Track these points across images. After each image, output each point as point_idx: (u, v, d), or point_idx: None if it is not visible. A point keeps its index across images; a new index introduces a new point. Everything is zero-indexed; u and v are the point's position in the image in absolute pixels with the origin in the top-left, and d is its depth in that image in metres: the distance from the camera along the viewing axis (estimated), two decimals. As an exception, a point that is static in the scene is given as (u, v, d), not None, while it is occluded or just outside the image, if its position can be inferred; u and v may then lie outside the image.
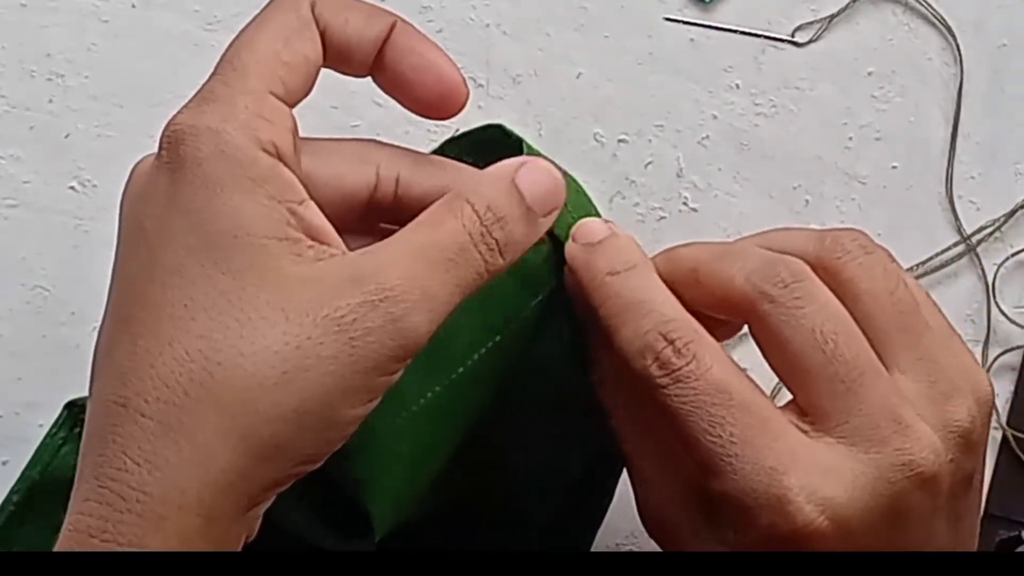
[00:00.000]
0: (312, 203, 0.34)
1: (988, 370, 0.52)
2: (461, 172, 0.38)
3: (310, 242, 0.33)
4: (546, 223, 0.37)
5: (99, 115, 0.51)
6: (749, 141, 0.53)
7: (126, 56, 0.52)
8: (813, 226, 0.53)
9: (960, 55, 0.53)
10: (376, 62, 0.37)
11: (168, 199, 0.33)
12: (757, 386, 0.37)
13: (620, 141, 0.52)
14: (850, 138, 0.53)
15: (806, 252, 0.38)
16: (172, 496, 0.31)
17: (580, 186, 0.40)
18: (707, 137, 0.53)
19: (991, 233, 0.53)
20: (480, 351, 0.38)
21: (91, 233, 0.51)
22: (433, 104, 0.37)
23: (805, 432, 0.36)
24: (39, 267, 0.51)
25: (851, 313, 0.37)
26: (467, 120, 0.53)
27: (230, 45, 0.35)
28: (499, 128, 0.40)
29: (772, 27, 0.53)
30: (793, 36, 0.53)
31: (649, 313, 0.37)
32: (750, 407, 0.35)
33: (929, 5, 0.53)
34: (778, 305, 0.36)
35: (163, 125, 0.34)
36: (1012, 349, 0.52)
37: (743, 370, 0.37)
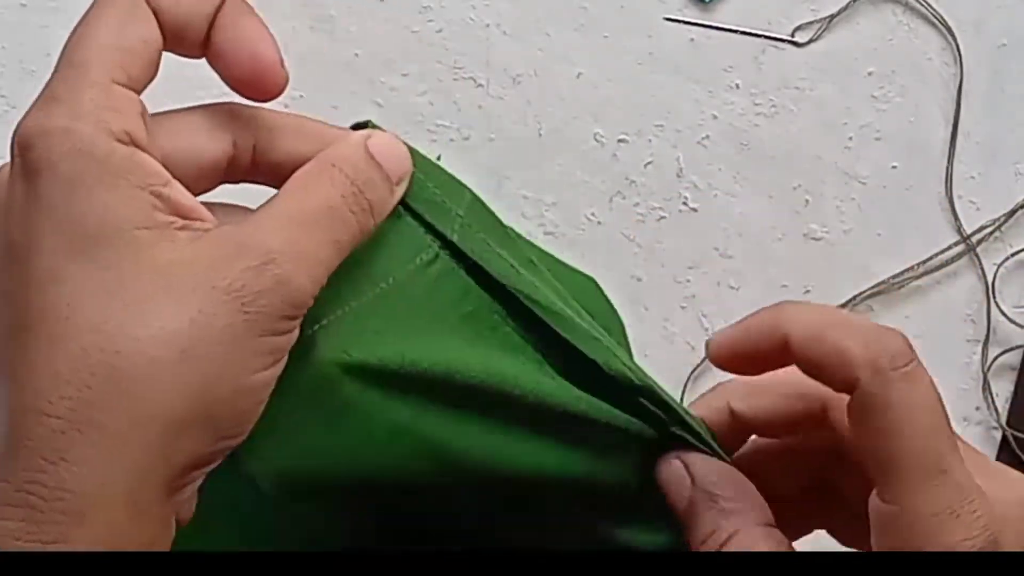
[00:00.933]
0: (176, 183, 0.34)
1: (988, 370, 0.52)
2: (317, 137, 0.39)
3: (181, 222, 0.34)
4: (399, 192, 0.38)
5: (99, 115, 0.52)
6: (749, 141, 0.53)
7: (126, 56, 0.52)
8: (813, 226, 0.53)
9: (960, 55, 0.53)
10: (205, 39, 0.37)
11: (29, 205, 0.33)
12: None
13: (620, 141, 0.52)
14: (850, 138, 0.53)
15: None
16: (92, 489, 0.31)
17: (431, 162, 0.42)
18: (707, 137, 0.53)
19: (991, 233, 0.53)
20: (365, 295, 0.38)
21: (91, 233, 0.51)
22: (248, 83, 0.37)
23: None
24: (39, 267, 0.51)
25: None
26: (468, 121, 0.54)
27: (67, 42, 0.36)
28: (365, 122, 0.41)
29: (772, 27, 0.53)
30: (793, 36, 0.53)
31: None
32: None
33: (929, 5, 0.53)
34: (905, 374, 0.37)
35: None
36: (1012, 349, 0.52)
37: None
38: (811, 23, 0.53)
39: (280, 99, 0.54)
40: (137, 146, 0.34)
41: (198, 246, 0.33)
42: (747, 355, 0.40)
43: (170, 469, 0.33)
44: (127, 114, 0.34)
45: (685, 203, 0.53)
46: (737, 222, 0.53)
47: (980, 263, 0.53)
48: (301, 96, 0.52)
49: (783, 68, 0.53)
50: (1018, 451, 0.52)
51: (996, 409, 0.52)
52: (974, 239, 0.52)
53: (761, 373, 0.42)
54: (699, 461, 0.39)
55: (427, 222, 0.39)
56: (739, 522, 0.38)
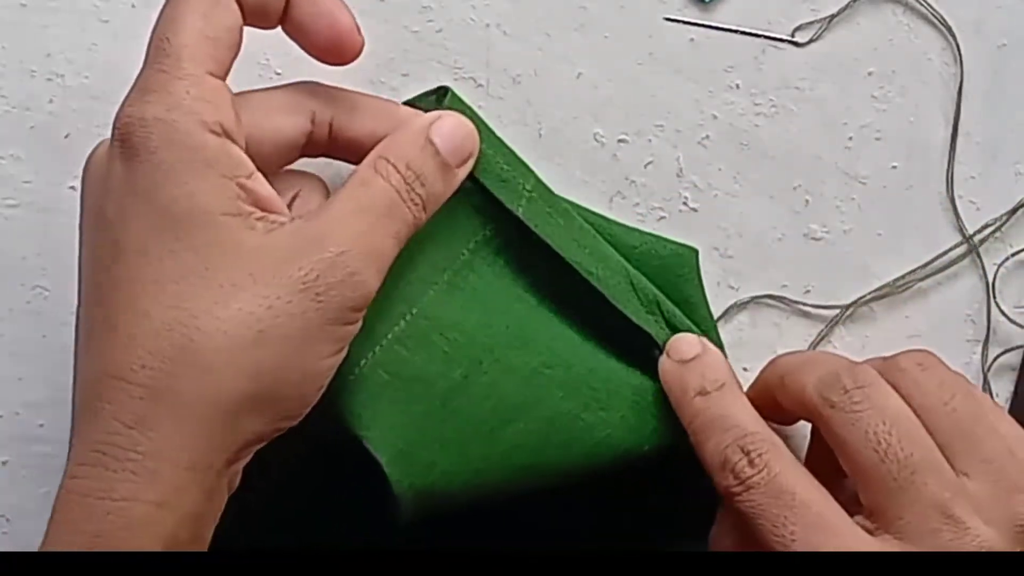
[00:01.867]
0: (259, 175, 0.38)
1: (988, 370, 0.52)
2: (390, 117, 0.41)
3: (260, 213, 0.36)
4: (463, 172, 0.41)
5: (99, 115, 0.51)
6: (749, 141, 0.53)
7: (126, 56, 0.52)
8: (813, 226, 0.53)
9: (960, 55, 0.53)
10: (284, 13, 0.39)
11: (126, 186, 0.36)
12: (826, 490, 0.39)
13: (620, 141, 0.52)
14: (850, 138, 0.53)
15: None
16: (163, 452, 0.33)
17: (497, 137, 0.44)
18: (707, 137, 0.53)
19: (992, 233, 0.53)
20: (433, 287, 0.41)
21: (91, 233, 0.51)
22: (329, 49, 0.40)
23: (869, 530, 0.38)
24: (39, 267, 0.51)
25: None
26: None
27: (155, 28, 0.38)
28: (442, 89, 0.43)
29: (772, 27, 0.53)
30: (793, 36, 0.53)
31: (730, 428, 0.41)
32: (811, 506, 0.38)
33: (929, 5, 0.53)
34: (838, 410, 0.40)
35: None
36: (1012, 349, 0.52)
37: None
38: (811, 23, 0.53)
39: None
40: (228, 136, 0.37)
41: (276, 236, 0.36)
42: (768, 409, 0.43)
43: (234, 442, 0.35)
44: (219, 104, 0.36)
45: (685, 203, 0.53)
46: (737, 222, 0.53)
47: (981, 263, 0.53)
48: (301, 96, 0.52)
49: (783, 68, 0.53)
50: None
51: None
52: (975, 239, 0.52)
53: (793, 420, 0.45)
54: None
55: (494, 197, 0.41)
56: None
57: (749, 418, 0.41)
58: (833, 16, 0.53)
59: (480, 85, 0.52)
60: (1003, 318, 0.52)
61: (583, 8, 0.53)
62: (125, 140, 0.36)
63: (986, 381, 0.52)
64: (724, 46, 0.53)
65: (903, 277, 0.52)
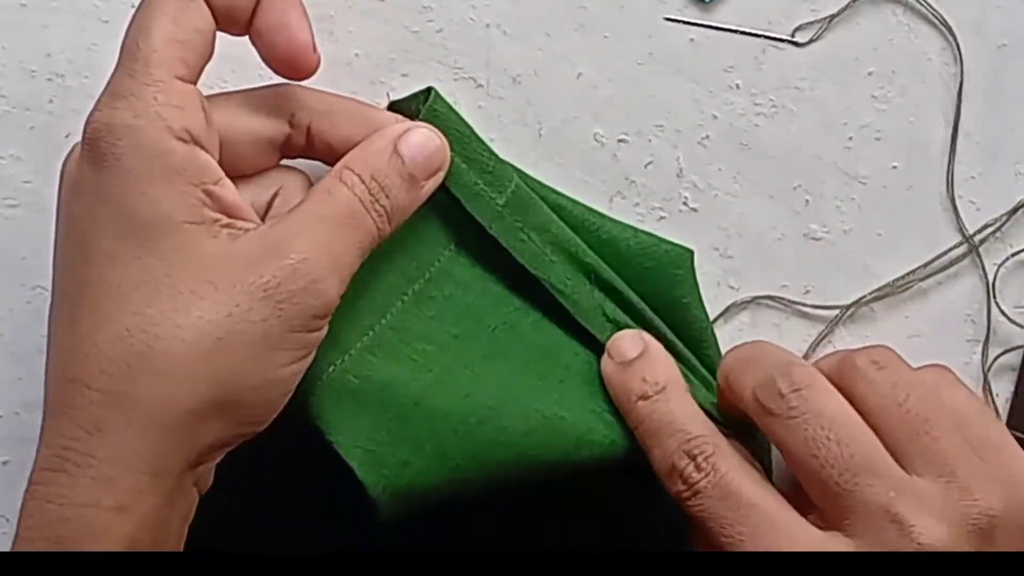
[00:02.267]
0: (227, 181, 0.38)
1: (988, 370, 0.52)
2: (367, 123, 0.41)
3: (225, 220, 0.36)
4: (431, 184, 0.41)
5: (99, 115, 0.51)
6: (749, 141, 0.53)
7: (126, 56, 0.52)
8: (813, 226, 0.53)
9: (960, 55, 0.53)
10: (250, 20, 0.40)
11: (95, 191, 0.36)
12: (777, 489, 0.39)
13: (620, 141, 0.52)
14: (850, 138, 0.53)
15: (828, 372, 0.41)
16: (119, 457, 0.34)
17: (476, 141, 0.43)
18: (707, 137, 0.53)
19: (992, 233, 0.53)
20: (403, 298, 0.41)
21: (91, 233, 0.51)
22: (283, 63, 0.40)
23: (821, 528, 0.38)
24: (39, 267, 0.51)
25: (868, 425, 0.39)
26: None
27: (127, 32, 0.38)
28: (427, 90, 0.43)
29: (772, 27, 0.53)
30: (793, 36, 0.53)
31: (675, 433, 0.40)
32: (758, 506, 0.38)
33: (929, 5, 0.53)
34: (776, 417, 0.39)
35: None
36: (1012, 349, 0.52)
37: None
38: (811, 23, 0.53)
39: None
40: (196, 142, 0.36)
41: (239, 243, 0.36)
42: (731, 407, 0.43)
43: (194, 447, 0.35)
44: (187, 110, 0.36)
45: (685, 203, 0.53)
46: (737, 222, 0.53)
47: (981, 263, 0.53)
48: (301, 96, 0.52)
49: (783, 68, 0.53)
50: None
51: (996, 409, 0.52)
52: (975, 239, 0.52)
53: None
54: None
55: (466, 211, 0.42)
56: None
57: (693, 420, 0.40)
58: (833, 16, 0.53)
59: (480, 85, 0.52)
60: (1003, 318, 0.52)
61: (583, 8, 0.53)
62: (93, 146, 0.36)
63: (986, 381, 0.52)
64: (724, 46, 0.53)
65: (903, 277, 0.52)
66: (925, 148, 0.53)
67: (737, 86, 0.53)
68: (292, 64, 0.40)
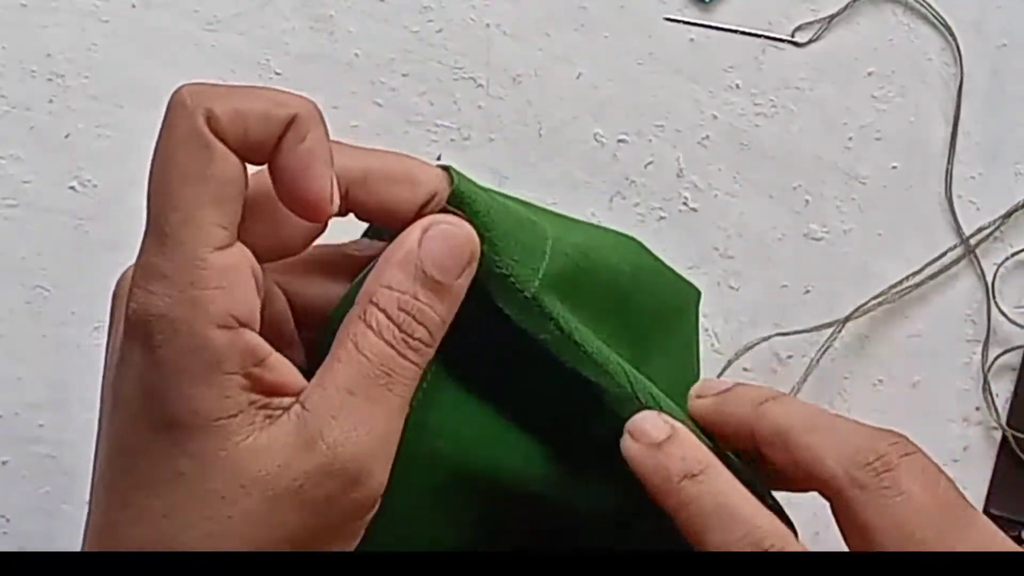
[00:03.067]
0: (271, 358, 0.34)
1: (988, 370, 0.52)
2: (407, 185, 0.37)
3: (263, 400, 0.34)
4: (465, 278, 0.37)
5: (99, 115, 0.51)
6: (749, 141, 0.53)
7: (126, 56, 0.52)
8: (813, 226, 0.53)
9: (960, 55, 0.53)
10: (271, 153, 0.36)
11: (134, 375, 0.34)
12: None
13: (620, 141, 0.52)
14: (850, 138, 0.53)
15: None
16: None
17: (513, 211, 0.40)
18: (707, 137, 0.53)
19: (991, 233, 0.53)
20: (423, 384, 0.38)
21: (91, 233, 0.51)
22: (294, 206, 0.36)
23: None
24: (39, 267, 0.51)
25: None
26: (468, 121, 0.54)
27: (149, 193, 0.34)
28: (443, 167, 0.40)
29: (772, 27, 0.53)
30: (793, 36, 0.53)
31: (739, 523, 0.37)
32: None
33: (929, 5, 0.53)
34: (867, 491, 0.37)
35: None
36: (1012, 349, 0.52)
37: None
38: (811, 23, 0.53)
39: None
40: (240, 323, 0.33)
41: (272, 434, 0.33)
42: (719, 427, 0.40)
43: None
44: (231, 289, 0.33)
45: (685, 203, 0.53)
46: (737, 222, 0.53)
47: (979, 263, 0.53)
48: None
49: (783, 68, 0.53)
50: (1018, 451, 0.52)
51: (996, 409, 0.52)
52: (974, 240, 0.52)
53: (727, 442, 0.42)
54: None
55: (495, 305, 0.38)
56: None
57: (757, 511, 0.38)
58: (833, 16, 0.53)
59: (480, 85, 0.52)
60: (1003, 318, 0.52)
61: (583, 8, 0.53)
62: (133, 327, 0.34)
63: (986, 381, 0.52)
64: (724, 46, 0.53)
65: (901, 281, 0.52)
66: (925, 148, 0.53)
67: (737, 86, 0.53)
68: (306, 213, 0.36)
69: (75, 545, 0.50)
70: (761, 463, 0.41)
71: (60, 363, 0.51)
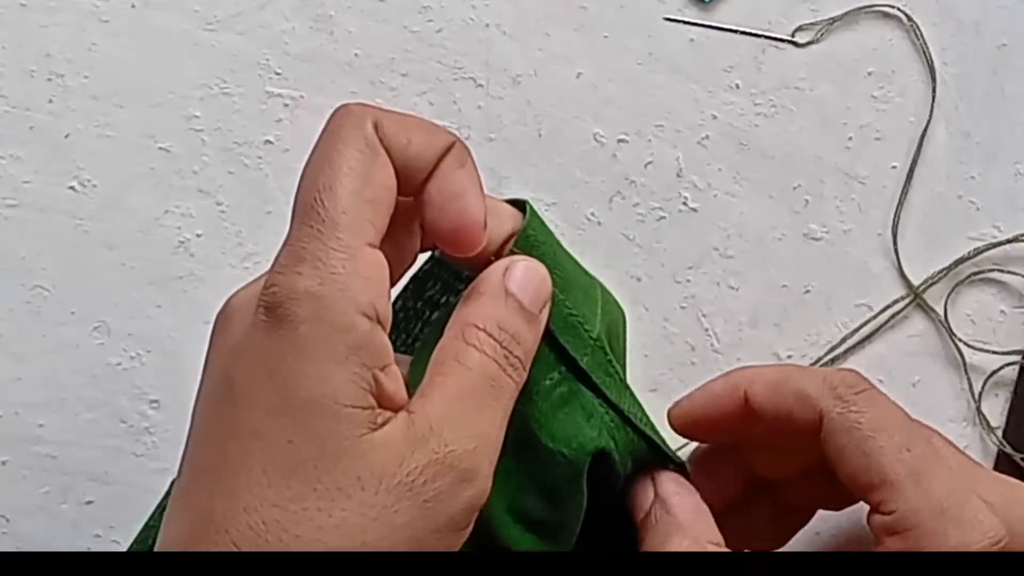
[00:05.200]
0: (394, 366, 0.34)
1: (983, 386, 0.52)
2: (491, 217, 0.38)
3: (378, 409, 0.34)
4: (545, 314, 0.38)
5: (99, 115, 0.51)
6: (749, 141, 0.53)
7: (126, 56, 0.52)
8: (813, 226, 0.53)
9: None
10: (423, 183, 0.36)
11: (259, 358, 0.33)
12: None
13: (620, 141, 0.52)
14: (850, 138, 0.53)
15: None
16: None
17: (566, 262, 0.40)
18: (707, 137, 0.53)
19: (933, 284, 0.53)
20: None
21: (91, 233, 0.51)
22: (447, 235, 0.36)
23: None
24: (39, 267, 0.51)
25: None
26: (468, 121, 0.54)
27: (303, 183, 0.34)
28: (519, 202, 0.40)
29: (772, 27, 0.53)
30: (793, 36, 0.53)
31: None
32: None
33: (929, 5, 0.53)
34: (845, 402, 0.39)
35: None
36: (1011, 355, 0.52)
37: None
38: (811, 24, 0.53)
39: (280, 99, 0.54)
40: (379, 320, 0.33)
41: (385, 433, 0.33)
42: (710, 420, 0.41)
43: None
44: (375, 282, 0.34)
45: (685, 203, 0.53)
46: (737, 222, 0.53)
47: (929, 307, 0.53)
48: (302, 96, 0.52)
49: (783, 68, 0.53)
50: (1013, 454, 0.52)
51: (987, 422, 0.52)
52: (919, 288, 0.52)
53: (723, 438, 0.43)
54: (665, 477, 0.39)
55: (562, 346, 0.39)
56: (692, 534, 0.38)
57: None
58: (834, 19, 0.53)
59: (480, 85, 0.52)
60: (967, 348, 0.52)
61: (583, 8, 0.53)
62: (271, 310, 0.33)
63: (982, 389, 0.52)
64: (724, 46, 0.53)
65: (857, 330, 0.52)
66: (925, 148, 0.53)
67: (737, 86, 0.53)
68: (457, 238, 0.36)
69: (75, 545, 0.50)
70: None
71: (60, 363, 0.51)
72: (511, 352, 0.36)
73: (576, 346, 0.39)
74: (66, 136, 0.51)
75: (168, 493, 0.41)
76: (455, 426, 0.34)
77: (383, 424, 0.33)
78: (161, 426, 0.51)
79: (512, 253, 0.38)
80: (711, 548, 0.37)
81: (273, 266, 0.34)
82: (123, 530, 0.50)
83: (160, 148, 0.52)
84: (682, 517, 0.38)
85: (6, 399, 0.51)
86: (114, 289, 0.51)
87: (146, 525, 0.43)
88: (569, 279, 0.40)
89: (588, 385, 0.39)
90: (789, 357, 0.52)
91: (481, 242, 0.36)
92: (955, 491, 0.37)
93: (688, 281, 0.52)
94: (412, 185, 0.36)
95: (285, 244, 0.34)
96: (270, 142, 0.52)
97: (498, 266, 0.37)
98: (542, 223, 0.40)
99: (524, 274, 0.37)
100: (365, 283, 0.33)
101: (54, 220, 0.51)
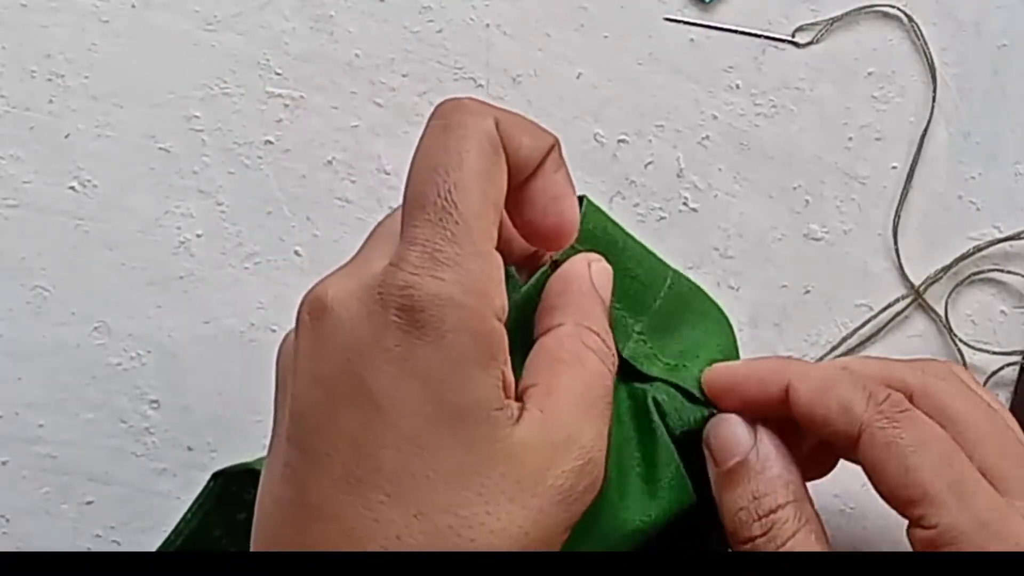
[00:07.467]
0: (508, 356, 0.35)
1: (986, 382, 0.52)
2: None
3: (508, 402, 0.34)
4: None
5: (99, 115, 0.51)
6: (749, 141, 0.53)
7: (126, 56, 0.52)
8: (813, 226, 0.53)
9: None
10: (525, 182, 0.37)
11: (402, 363, 0.33)
12: None
13: (620, 141, 0.52)
14: (850, 138, 0.53)
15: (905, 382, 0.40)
16: None
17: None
18: (707, 137, 0.53)
19: (935, 281, 0.53)
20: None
21: (91, 233, 0.51)
22: (543, 231, 0.37)
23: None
24: (39, 267, 0.51)
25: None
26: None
27: (422, 171, 0.34)
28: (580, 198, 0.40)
29: (772, 27, 0.53)
30: (793, 37, 0.53)
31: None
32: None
33: (929, 5, 0.53)
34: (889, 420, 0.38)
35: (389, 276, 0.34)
36: (1014, 358, 0.52)
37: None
38: (812, 24, 0.53)
39: (280, 99, 0.54)
40: (501, 320, 0.34)
41: (524, 431, 0.34)
42: (744, 396, 0.41)
43: None
44: (501, 285, 0.34)
45: (685, 203, 0.53)
46: (737, 222, 0.53)
47: (929, 307, 0.53)
48: (301, 96, 0.52)
49: (783, 68, 0.53)
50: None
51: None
52: (920, 288, 0.52)
53: (749, 413, 0.43)
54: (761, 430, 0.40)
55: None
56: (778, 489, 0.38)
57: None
58: (834, 20, 0.53)
59: (480, 85, 0.52)
60: (968, 348, 0.52)
61: (583, 8, 0.53)
62: (411, 313, 0.33)
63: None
64: (724, 46, 0.53)
65: (857, 330, 0.52)
66: (925, 148, 0.53)
67: (737, 86, 0.53)
68: (551, 237, 0.37)
69: (75, 545, 0.50)
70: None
71: (60, 363, 0.51)
72: (612, 350, 0.37)
73: (620, 336, 0.40)
74: (66, 136, 0.51)
75: (218, 493, 0.41)
76: (592, 432, 0.35)
77: (516, 419, 0.34)
78: (161, 426, 0.51)
79: (574, 250, 0.39)
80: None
81: (399, 263, 0.33)
82: (123, 530, 0.50)
83: (160, 148, 0.52)
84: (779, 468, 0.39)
85: (6, 399, 0.51)
86: (114, 289, 0.51)
87: (176, 530, 0.42)
88: (624, 270, 0.41)
89: (628, 372, 0.40)
90: (789, 357, 0.52)
91: (572, 239, 0.38)
92: (997, 504, 0.37)
93: (688, 281, 0.52)
94: (513, 184, 0.36)
95: (411, 240, 0.33)
96: (270, 142, 0.52)
97: (582, 266, 0.38)
98: (599, 212, 0.40)
99: (604, 275, 0.39)
100: (497, 288, 0.34)
101: (54, 220, 0.51)
